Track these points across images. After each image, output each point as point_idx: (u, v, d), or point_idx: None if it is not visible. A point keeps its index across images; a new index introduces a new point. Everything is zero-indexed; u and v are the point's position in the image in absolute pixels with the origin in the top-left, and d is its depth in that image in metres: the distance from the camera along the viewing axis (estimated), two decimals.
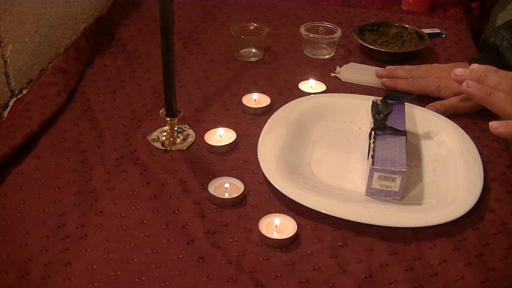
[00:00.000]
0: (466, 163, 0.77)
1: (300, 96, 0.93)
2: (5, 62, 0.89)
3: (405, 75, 0.95)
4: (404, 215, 0.70)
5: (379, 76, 0.98)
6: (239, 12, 1.28)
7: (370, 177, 0.72)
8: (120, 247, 0.66)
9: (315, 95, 0.94)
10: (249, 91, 0.96)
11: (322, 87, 0.97)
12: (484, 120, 0.90)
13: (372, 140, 0.76)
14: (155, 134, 0.85)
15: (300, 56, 1.09)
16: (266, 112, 0.91)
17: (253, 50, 1.08)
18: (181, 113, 0.82)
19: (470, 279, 0.63)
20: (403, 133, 0.77)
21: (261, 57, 1.08)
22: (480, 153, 0.80)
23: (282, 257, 0.65)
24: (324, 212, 0.69)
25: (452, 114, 0.89)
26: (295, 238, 0.67)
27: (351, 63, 1.05)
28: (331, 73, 1.02)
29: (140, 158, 0.80)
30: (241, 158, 0.81)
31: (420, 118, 0.87)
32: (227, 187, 0.74)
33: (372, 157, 0.72)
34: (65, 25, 1.07)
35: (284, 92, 0.97)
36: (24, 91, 0.94)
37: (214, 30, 1.19)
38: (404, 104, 0.84)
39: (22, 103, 0.87)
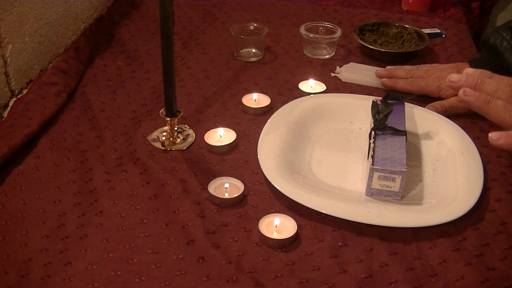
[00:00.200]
0: (466, 163, 0.77)
1: (300, 96, 0.93)
2: (5, 62, 0.89)
3: (405, 75, 0.95)
4: (404, 215, 0.70)
5: (379, 76, 0.98)
6: (239, 12, 1.28)
7: (370, 177, 0.72)
8: (120, 247, 0.66)
9: (315, 95, 0.94)
10: (249, 91, 0.96)
11: (322, 87, 0.97)
12: (484, 120, 0.89)
13: (372, 140, 0.76)
14: (155, 134, 0.85)
15: (300, 56, 1.09)
16: (266, 112, 0.91)
17: (253, 50, 1.08)
18: (181, 113, 0.82)
19: (470, 279, 0.63)
20: (403, 133, 0.77)
21: (261, 57, 1.08)
22: (480, 153, 0.80)
23: (282, 257, 0.65)
24: (324, 212, 0.69)
25: (452, 114, 0.89)
26: (295, 238, 0.67)
27: (351, 63, 1.05)
28: (331, 73, 1.02)
29: (140, 158, 0.80)
30: (241, 158, 0.81)
31: (420, 118, 0.87)
32: (227, 187, 0.74)
33: (372, 157, 0.72)
34: (65, 25, 1.07)
35: (284, 92, 0.97)
36: (24, 91, 0.94)
37: (214, 30, 1.19)
38: (404, 104, 0.84)
39: (22, 103, 0.87)
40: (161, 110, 0.82)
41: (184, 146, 0.83)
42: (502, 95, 0.69)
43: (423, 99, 0.92)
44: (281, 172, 0.75)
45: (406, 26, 1.14)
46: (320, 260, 0.65)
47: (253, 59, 1.07)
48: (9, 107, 0.91)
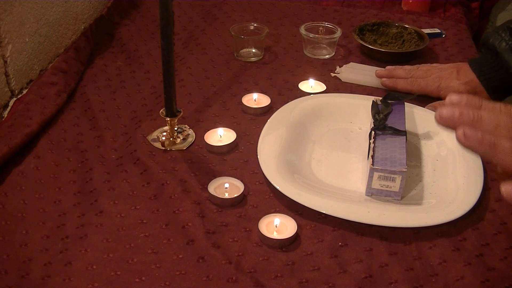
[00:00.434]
0: (466, 163, 0.77)
1: (300, 96, 0.93)
2: (5, 62, 0.89)
3: (405, 75, 0.95)
4: (404, 215, 0.70)
5: (379, 76, 0.98)
6: (239, 12, 1.28)
7: (370, 177, 0.72)
8: (120, 247, 0.66)
9: (315, 95, 0.94)
10: (249, 91, 0.96)
11: (322, 87, 0.97)
12: None
13: (372, 140, 0.76)
14: (155, 134, 0.85)
15: (300, 56, 1.09)
16: (266, 112, 0.91)
17: (253, 50, 1.08)
18: (181, 113, 0.82)
19: (470, 279, 0.63)
20: (403, 133, 0.77)
21: (261, 57, 1.08)
22: None
23: (282, 257, 0.65)
24: (324, 212, 0.69)
25: None
26: (295, 238, 0.67)
27: (351, 63, 1.05)
28: (331, 73, 1.02)
29: (140, 158, 0.80)
30: (241, 158, 0.81)
31: (420, 118, 0.87)
32: (227, 187, 0.74)
33: (372, 157, 0.72)
34: (65, 25, 1.07)
35: (284, 92, 0.97)
36: (24, 91, 0.94)
37: (214, 30, 1.19)
38: (404, 104, 0.84)
39: (22, 103, 0.87)
40: (161, 110, 0.82)
41: (184, 146, 0.83)
42: (504, 131, 0.55)
43: (423, 99, 0.92)
44: (281, 172, 0.75)
45: (406, 26, 1.14)
46: (320, 260, 0.65)
47: (253, 59, 1.07)
48: (9, 107, 0.91)
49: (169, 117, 0.81)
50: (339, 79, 1.01)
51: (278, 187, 0.72)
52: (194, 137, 0.85)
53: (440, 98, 0.92)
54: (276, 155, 0.78)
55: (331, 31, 1.09)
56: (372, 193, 0.73)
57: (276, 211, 0.71)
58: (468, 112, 0.57)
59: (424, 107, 0.90)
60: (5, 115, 0.89)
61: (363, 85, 0.99)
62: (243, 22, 1.14)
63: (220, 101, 0.94)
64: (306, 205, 0.70)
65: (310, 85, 0.97)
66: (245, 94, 0.94)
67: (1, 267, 0.62)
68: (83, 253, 0.65)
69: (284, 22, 1.23)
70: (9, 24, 0.89)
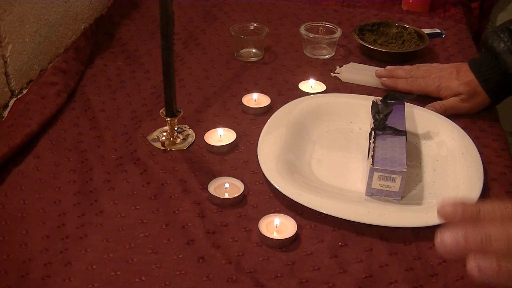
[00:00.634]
0: (466, 163, 0.77)
1: (300, 96, 0.93)
2: (5, 62, 0.89)
3: (405, 75, 0.95)
4: (404, 215, 0.70)
5: (379, 76, 0.98)
6: (239, 12, 1.28)
7: (370, 177, 0.72)
8: (120, 247, 0.66)
9: (315, 95, 0.94)
10: (249, 91, 0.96)
11: (322, 87, 0.97)
12: (484, 120, 0.90)
13: (372, 140, 0.76)
14: (155, 134, 0.85)
15: (300, 56, 1.09)
16: (266, 112, 0.91)
17: (253, 50, 1.08)
18: (181, 113, 0.82)
19: (470, 279, 0.62)
20: (403, 133, 0.77)
21: (261, 57, 1.08)
22: (480, 153, 0.80)
23: (282, 257, 0.65)
24: (324, 212, 0.69)
25: (451, 114, 0.89)
26: (295, 238, 0.67)
27: (351, 63, 1.05)
28: (331, 73, 1.02)
29: (140, 158, 0.80)
30: (241, 158, 0.81)
31: (420, 118, 0.87)
32: (227, 187, 0.74)
33: (372, 157, 0.72)
34: (65, 25, 1.07)
35: (284, 92, 0.97)
36: (24, 91, 0.94)
37: (214, 30, 1.19)
38: (404, 104, 0.84)
39: (22, 103, 0.87)
40: (161, 110, 0.82)
41: (184, 146, 0.83)
42: (501, 245, 0.48)
43: (423, 99, 0.92)
44: (281, 172, 0.75)
45: (406, 26, 1.14)
46: (320, 260, 0.65)
47: (253, 59, 1.07)
48: (9, 107, 0.91)
49: (169, 117, 0.81)
50: (339, 79, 1.01)
51: (278, 187, 0.72)
52: (194, 137, 0.85)
53: (440, 98, 0.92)
54: (276, 155, 0.78)
55: (331, 31, 1.09)
56: (372, 193, 0.73)
57: (276, 211, 0.71)
58: (474, 235, 0.49)
59: (424, 107, 0.90)
60: (5, 115, 0.89)
61: (363, 85, 0.99)
62: (243, 22, 1.14)
63: (220, 101, 0.94)
64: (306, 205, 0.70)
65: (310, 85, 0.97)
66: (245, 94, 0.94)
67: (1, 267, 0.62)
68: (83, 253, 0.65)
69: (284, 22, 1.23)
70: (9, 24, 0.89)
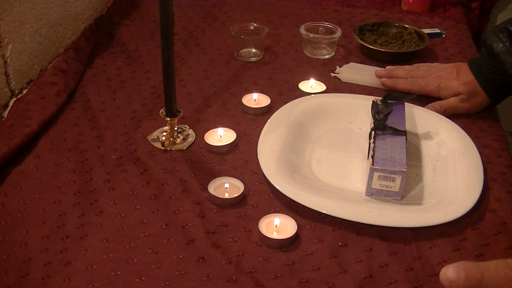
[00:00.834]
0: (466, 163, 0.77)
1: (300, 96, 0.93)
2: (5, 62, 0.89)
3: (405, 75, 0.95)
4: (404, 215, 0.70)
5: (379, 76, 0.98)
6: (239, 12, 1.28)
7: (370, 177, 0.72)
8: (120, 247, 0.66)
9: (315, 95, 0.94)
10: (249, 91, 0.96)
11: (322, 87, 0.97)
12: (484, 120, 0.90)
13: (372, 140, 0.76)
14: (155, 134, 0.85)
15: (300, 56, 1.09)
16: (266, 112, 0.91)
17: (253, 50, 1.08)
18: (181, 113, 0.82)
19: None
20: (403, 133, 0.77)
21: (261, 57, 1.08)
22: (480, 153, 0.80)
23: (282, 257, 0.65)
24: (324, 212, 0.69)
25: (451, 114, 0.89)
26: (295, 238, 0.67)
27: (351, 63, 1.05)
28: (331, 73, 1.02)
29: (140, 158, 0.80)
30: (241, 158, 0.81)
31: (420, 118, 0.87)
32: (227, 187, 0.74)
33: (372, 157, 0.72)
34: (65, 25, 1.07)
35: (284, 92, 0.97)
36: (24, 91, 0.94)
37: (214, 30, 1.19)
38: (404, 104, 0.84)
39: (22, 103, 0.87)
40: (161, 110, 0.82)
41: (184, 146, 0.83)
42: None
43: (423, 99, 0.92)
44: (281, 172, 0.75)
45: (406, 26, 1.14)
46: (320, 260, 0.65)
47: (253, 59, 1.07)
48: (9, 107, 0.91)
49: (169, 117, 0.81)
50: (339, 79, 1.01)
51: (278, 187, 0.72)
52: (194, 137, 0.85)
53: (440, 98, 0.92)
54: (276, 155, 0.78)
55: (331, 31, 1.09)
56: (372, 193, 0.73)
57: (276, 211, 0.71)
58: (475, 273, 0.50)
59: (424, 107, 0.90)
60: (5, 115, 0.89)
61: (363, 85, 0.99)
62: (243, 22, 1.14)
63: (220, 101, 0.94)
64: (306, 205, 0.70)
65: (310, 85, 0.97)
66: (245, 94, 0.94)
67: (1, 267, 0.62)
68: (83, 253, 0.65)
69: (284, 22, 1.23)
70: (9, 24, 0.89)
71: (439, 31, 1.19)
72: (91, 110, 0.91)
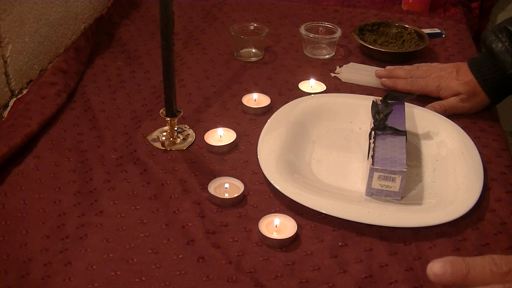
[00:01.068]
0: (466, 163, 0.77)
1: (300, 96, 0.93)
2: (5, 62, 0.89)
3: (405, 75, 0.95)
4: (404, 215, 0.70)
5: (379, 76, 0.98)
6: (239, 12, 1.28)
7: (370, 177, 0.72)
8: (120, 247, 0.66)
9: (315, 95, 0.94)
10: (249, 91, 0.96)
11: (322, 87, 0.97)
12: (484, 120, 0.90)
13: (372, 140, 0.76)
14: (155, 134, 0.85)
15: (300, 56, 1.09)
16: (266, 112, 0.91)
17: (253, 50, 1.08)
18: (181, 113, 0.82)
19: None
20: (403, 133, 0.77)
21: (261, 57, 1.08)
22: (480, 153, 0.80)
23: (282, 257, 0.65)
24: (324, 212, 0.69)
25: (451, 114, 0.89)
26: (295, 238, 0.67)
27: (351, 63, 1.05)
28: (331, 73, 1.02)
29: (140, 158, 0.80)
30: (241, 158, 0.81)
31: (420, 118, 0.87)
32: (227, 187, 0.74)
33: (372, 157, 0.72)
34: (65, 25, 1.07)
35: (284, 92, 0.97)
36: (24, 91, 0.94)
37: (214, 30, 1.19)
38: (404, 104, 0.84)
39: (22, 103, 0.87)
40: (161, 110, 0.82)
41: (184, 146, 0.83)
42: None
43: (423, 99, 0.92)
44: (281, 172, 0.75)
45: (406, 26, 1.14)
46: (320, 260, 0.65)
47: (253, 59, 1.07)
48: (9, 107, 0.91)
49: (169, 117, 0.81)
50: (339, 79, 1.01)
51: (278, 187, 0.72)
52: (194, 137, 0.85)
53: (440, 98, 0.92)
54: (276, 155, 0.78)
55: (331, 31, 1.09)
56: (372, 193, 0.73)
57: (276, 211, 0.71)
58: (461, 267, 0.51)
59: (424, 107, 0.90)
60: (5, 115, 0.89)
61: (363, 85, 0.99)
62: (243, 22, 1.14)
63: (220, 101, 0.94)
64: (306, 205, 0.70)
65: (310, 85, 0.97)
66: (245, 94, 0.94)
67: (1, 267, 0.62)
68: (83, 253, 0.65)
69: (284, 22, 1.23)
70: (9, 24, 0.89)
71: (439, 31, 1.19)
72: (91, 110, 0.91)
